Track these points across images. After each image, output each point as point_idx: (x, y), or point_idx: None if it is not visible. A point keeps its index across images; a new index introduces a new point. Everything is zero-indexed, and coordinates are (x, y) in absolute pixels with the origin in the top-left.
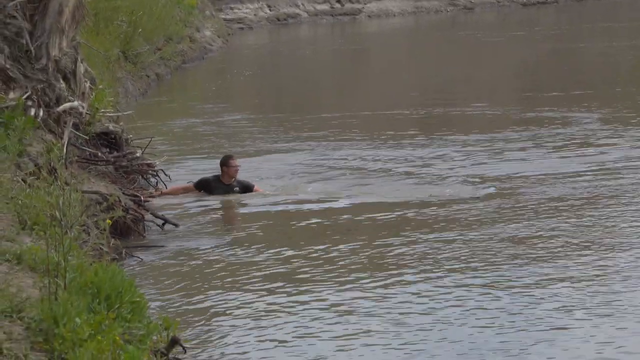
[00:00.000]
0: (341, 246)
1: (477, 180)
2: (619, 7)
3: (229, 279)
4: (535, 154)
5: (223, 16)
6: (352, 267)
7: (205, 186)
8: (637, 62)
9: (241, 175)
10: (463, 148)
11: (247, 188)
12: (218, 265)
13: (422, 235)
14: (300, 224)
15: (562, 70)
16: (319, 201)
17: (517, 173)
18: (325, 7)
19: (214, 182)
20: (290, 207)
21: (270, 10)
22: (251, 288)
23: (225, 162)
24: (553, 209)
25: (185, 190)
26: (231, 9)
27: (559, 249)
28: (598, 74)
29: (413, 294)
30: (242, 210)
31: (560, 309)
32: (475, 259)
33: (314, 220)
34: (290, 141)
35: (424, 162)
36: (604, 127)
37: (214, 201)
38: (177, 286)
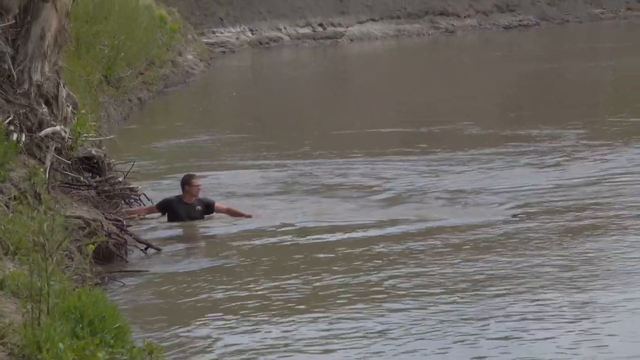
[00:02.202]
0: (326, 272)
1: (449, 196)
2: (600, 30)
3: (212, 304)
4: (520, 170)
5: (205, 40)
6: (338, 292)
7: (167, 207)
8: (617, 82)
9: (223, 192)
10: (446, 166)
11: (208, 206)
12: (201, 290)
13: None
14: (283, 247)
15: (543, 90)
16: (301, 224)
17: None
18: (307, 30)
19: (176, 202)
20: (273, 230)
21: (252, 34)
22: (234, 312)
23: (186, 182)
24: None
25: (149, 211)
26: (213, 32)
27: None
28: (579, 93)
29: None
30: (225, 235)
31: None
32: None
33: (296, 244)
34: (274, 159)
35: (408, 180)
36: (585, 144)
37: (196, 226)
38: (160, 311)
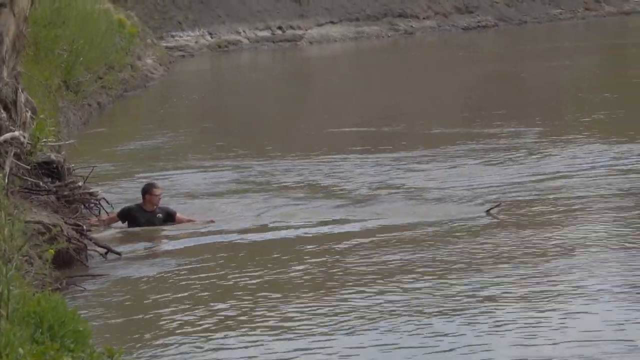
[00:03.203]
0: (288, 269)
1: (415, 194)
2: (558, 30)
3: (172, 307)
4: (485, 167)
5: (164, 44)
6: (294, 289)
7: (128, 215)
8: (576, 81)
9: (183, 193)
10: (409, 165)
11: (170, 215)
12: (161, 294)
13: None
14: (243, 249)
15: (504, 90)
16: (261, 224)
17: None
18: (266, 33)
19: (137, 210)
20: (231, 232)
21: (211, 37)
22: (195, 315)
23: (147, 190)
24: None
25: (110, 221)
26: (172, 36)
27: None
28: (539, 93)
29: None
30: (184, 239)
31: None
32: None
33: (256, 244)
34: (234, 160)
35: (372, 179)
36: (547, 141)
37: (155, 230)
38: (120, 315)
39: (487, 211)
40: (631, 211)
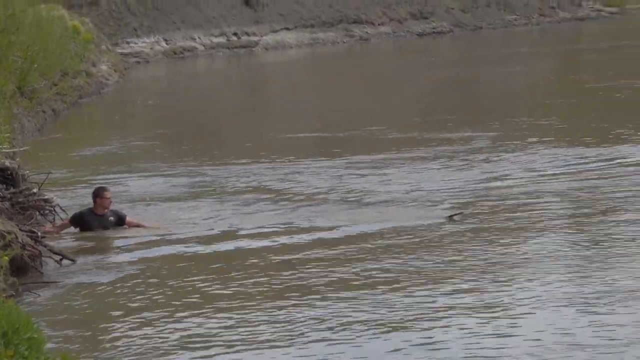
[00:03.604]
0: (243, 275)
1: (369, 199)
2: (513, 36)
3: (127, 313)
4: (442, 172)
5: (119, 50)
6: (249, 295)
7: (79, 220)
8: (528, 86)
9: (135, 199)
10: (366, 169)
11: (120, 218)
12: (116, 299)
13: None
14: (197, 255)
15: (459, 95)
16: (214, 230)
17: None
18: (221, 40)
19: (88, 215)
20: (184, 237)
21: (166, 43)
22: (149, 322)
23: (98, 194)
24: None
25: (62, 228)
26: (127, 43)
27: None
28: (494, 98)
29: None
30: (138, 244)
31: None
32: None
33: (211, 251)
34: (188, 166)
35: (327, 184)
36: (502, 146)
37: (109, 236)
38: (74, 322)
39: (450, 217)
40: (585, 216)
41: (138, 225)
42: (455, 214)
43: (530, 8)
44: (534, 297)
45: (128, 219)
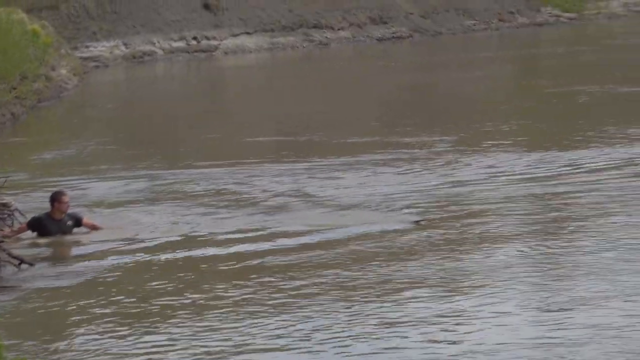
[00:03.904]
0: (200, 279)
1: (332, 203)
2: (473, 41)
3: (86, 317)
4: (399, 176)
5: (79, 54)
6: (202, 301)
7: (37, 224)
8: (488, 91)
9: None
10: (325, 173)
11: (77, 220)
12: (75, 304)
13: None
14: (155, 260)
15: (419, 100)
16: (174, 234)
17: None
18: (181, 44)
19: (46, 219)
20: (142, 242)
21: (126, 48)
22: (109, 327)
23: (55, 198)
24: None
25: (20, 231)
26: (87, 47)
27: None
28: (451, 102)
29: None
30: (96, 249)
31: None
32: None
33: (169, 256)
34: (147, 169)
35: (289, 188)
36: (462, 150)
37: (68, 241)
38: (34, 326)
39: (417, 222)
40: (546, 221)
41: (94, 227)
42: (422, 220)
43: (489, 13)
44: (491, 303)
45: (85, 220)
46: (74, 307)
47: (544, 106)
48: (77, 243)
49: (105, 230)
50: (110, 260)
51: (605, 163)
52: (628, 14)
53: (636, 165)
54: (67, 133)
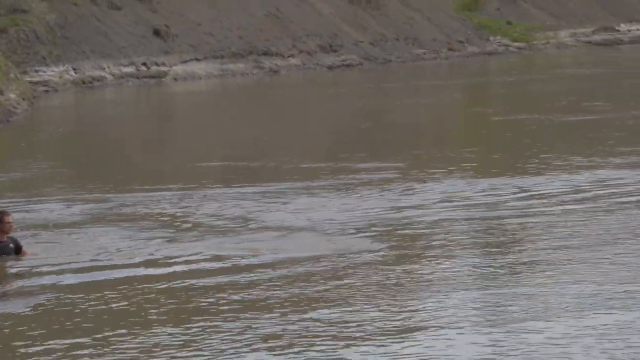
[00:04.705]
0: (136, 301)
1: (279, 227)
2: (422, 70)
3: (31, 344)
4: (349, 201)
5: (28, 79)
6: (143, 321)
7: None
8: (435, 118)
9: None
10: (273, 199)
11: (18, 247)
12: (15, 330)
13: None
14: (96, 282)
15: (366, 126)
16: (119, 259)
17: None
18: (130, 69)
19: None
20: (85, 265)
21: (75, 73)
22: (54, 351)
23: None
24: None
25: None
26: (36, 71)
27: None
28: (400, 129)
29: None
30: (37, 272)
31: None
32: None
33: (110, 278)
34: (93, 192)
35: (234, 213)
36: (405, 175)
37: (6, 265)
38: None
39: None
40: (491, 247)
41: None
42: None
43: (438, 42)
44: (440, 324)
45: (24, 249)
46: (19, 331)
47: (492, 134)
48: (19, 266)
49: (41, 255)
50: (53, 283)
51: (551, 190)
52: (577, 44)
53: (581, 192)
54: (14, 156)
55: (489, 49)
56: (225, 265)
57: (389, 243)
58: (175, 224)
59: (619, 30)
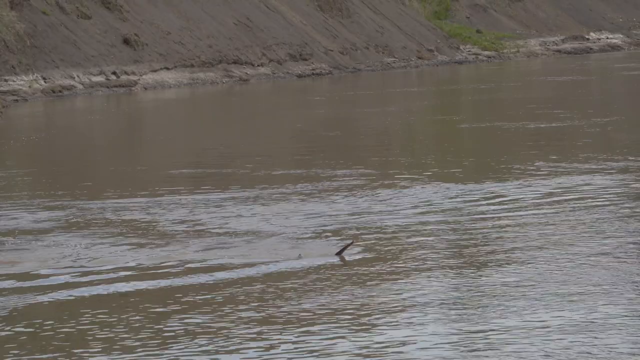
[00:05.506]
0: (102, 312)
1: (243, 234)
2: (391, 78)
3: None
4: (319, 207)
5: None
6: (113, 336)
7: None
8: (404, 126)
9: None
10: (239, 205)
11: None
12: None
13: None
14: (62, 293)
15: (336, 133)
16: (83, 268)
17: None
18: (100, 78)
19: None
20: (49, 275)
21: (45, 82)
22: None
23: None
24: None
25: None
26: (5, 80)
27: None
28: (369, 136)
29: None
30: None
31: None
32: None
33: (76, 289)
34: (60, 199)
35: (200, 219)
36: (375, 182)
37: None
38: None
39: (338, 253)
40: (461, 255)
41: None
42: (343, 249)
43: (408, 51)
44: (410, 335)
45: None
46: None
47: (460, 140)
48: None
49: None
50: (18, 296)
51: (522, 196)
52: (547, 53)
53: (553, 197)
54: None
55: (459, 57)
56: (195, 272)
57: (358, 248)
58: (143, 230)
59: (588, 39)
